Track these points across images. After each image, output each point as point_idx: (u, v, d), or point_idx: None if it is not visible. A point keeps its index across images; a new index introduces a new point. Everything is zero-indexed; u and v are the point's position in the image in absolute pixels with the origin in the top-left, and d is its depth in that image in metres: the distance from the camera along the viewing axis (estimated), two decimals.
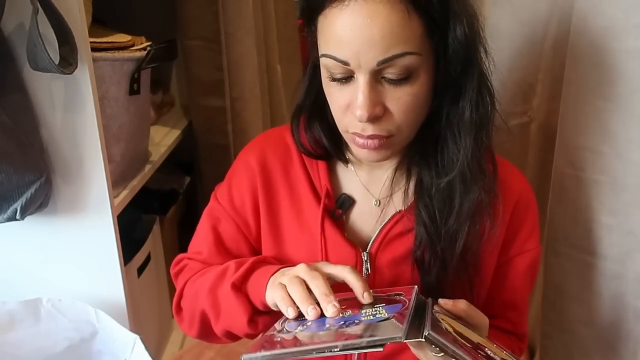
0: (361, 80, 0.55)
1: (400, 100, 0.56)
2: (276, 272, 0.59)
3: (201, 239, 0.73)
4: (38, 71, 0.61)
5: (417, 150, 0.64)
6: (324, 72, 0.59)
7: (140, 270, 0.99)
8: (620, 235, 0.75)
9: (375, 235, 0.67)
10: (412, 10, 0.53)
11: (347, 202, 0.69)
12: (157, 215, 1.13)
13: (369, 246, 0.67)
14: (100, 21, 0.85)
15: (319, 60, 0.61)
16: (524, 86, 0.87)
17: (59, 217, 0.74)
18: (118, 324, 0.71)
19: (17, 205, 0.66)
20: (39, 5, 0.59)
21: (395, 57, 0.53)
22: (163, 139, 1.12)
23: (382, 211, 0.68)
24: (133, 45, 0.83)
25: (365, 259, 0.66)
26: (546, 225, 0.85)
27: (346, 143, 0.67)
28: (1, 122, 0.62)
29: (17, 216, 0.66)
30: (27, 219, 0.68)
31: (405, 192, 0.66)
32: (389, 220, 0.66)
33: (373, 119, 0.56)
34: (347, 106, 0.58)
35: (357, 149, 0.61)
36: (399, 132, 0.59)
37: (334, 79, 0.58)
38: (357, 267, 0.66)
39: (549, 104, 0.86)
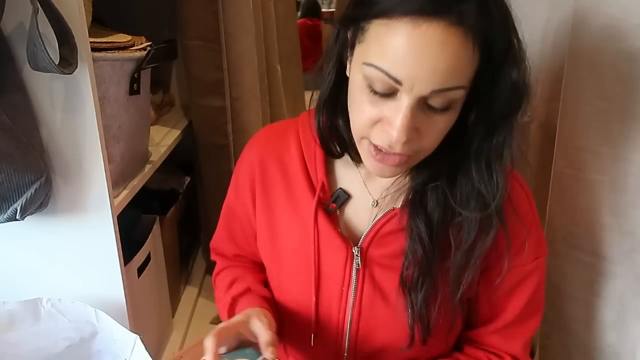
0: (405, 102, 0.52)
1: (434, 126, 0.55)
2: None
3: (219, 230, 0.84)
4: (38, 71, 0.61)
5: (430, 169, 0.63)
6: (361, 80, 0.55)
7: (140, 270, 0.99)
8: (619, 236, 0.75)
9: (367, 231, 0.67)
10: (477, 47, 0.51)
11: (342, 197, 0.69)
12: (157, 215, 1.13)
13: (360, 241, 0.67)
14: (100, 21, 0.85)
15: (348, 59, 0.59)
16: None
17: (59, 217, 0.74)
18: (118, 324, 0.71)
19: (17, 205, 0.66)
20: (39, 5, 0.59)
21: (449, 90, 0.52)
22: (163, 139, 1.12)
23: (378, 210, 0.68)
24: (133, 45, 0.83)
25: (357, 253, 0.67)
26: (546, 225, 0.85)
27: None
28: (1, 122, 0.62)
29: (17, 216, 0.66)
30: (27, 219, 0.68)
31: (406, 196, 0.65)
32: (383, 216, 0.66)
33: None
34: (379, 120, 0.55)
35: (371, 161, 0.59)
36: (420, 153, 0.58)
37: (372, 91, 0.54)
38: (347, 261, 0.67)
39: (549, 105, 0.86)
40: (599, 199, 0.76)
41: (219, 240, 0.85)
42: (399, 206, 0.66)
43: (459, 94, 0.53)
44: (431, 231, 0.62)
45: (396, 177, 0.67)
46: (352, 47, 0.58)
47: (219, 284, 0.82)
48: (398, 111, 0.53)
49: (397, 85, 0.52)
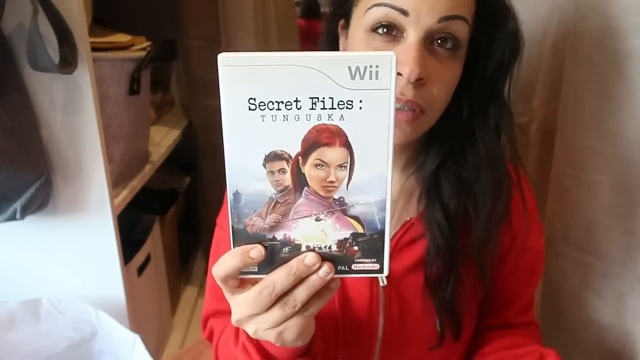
0: (414, 37, 0.52)
1: (442, 74, 0.55)
2: None
3: (211, 291, 0.69)
4: (38, 71, 0.62)
5: (434, 157, 0.63)
6: (365, 31, 0.55)
7: (140, 270, 1.00)
8: (620, 236, 0.75)
9: None
10: None
11: None
12: (157, 215, 1.13)
13: None
14: (100, 21, 0.85)
15: (344, 43, 0.60)
16: (524, 86, 0.87)
17: (59, 217, 0.74)
18: (118, 324, 0.72)
19: (17, 205, 0.66)
20: (39, 5, 0.59)
21: (455, 18, 0.52)
22: (163, 139, 1.12)
23: (390, 219, 0.65)
24: (133, 45, 0.83)
25: None
26: (546, 225, 0.85)
27: None
28: (1, 122, 0.62)
29: (17, 216, 0.67)
30: (27, 219, 0.68)
31: (420, 199, 0.64)
32: (399, 229, 0.64)
33: (418, 82, 0.52)
34: None
35: None
36: (431, 110, 0.56)
37: (375, 30, 0.54)
38: (373, 281, 0.63)
39: (549, 104, 0.86)
40: (599, 199, 0.76)
41: (215, 299, 0.68)
42: (413, 215, 0.64)
43: (463, 30, 0.54)
44: (449, 218, 0.61)
45: (404, 179, 0.65)
46: (348, 23, 0.59)
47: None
48: (407, 49, 0.52)
49: (402, 19, 0.52)
